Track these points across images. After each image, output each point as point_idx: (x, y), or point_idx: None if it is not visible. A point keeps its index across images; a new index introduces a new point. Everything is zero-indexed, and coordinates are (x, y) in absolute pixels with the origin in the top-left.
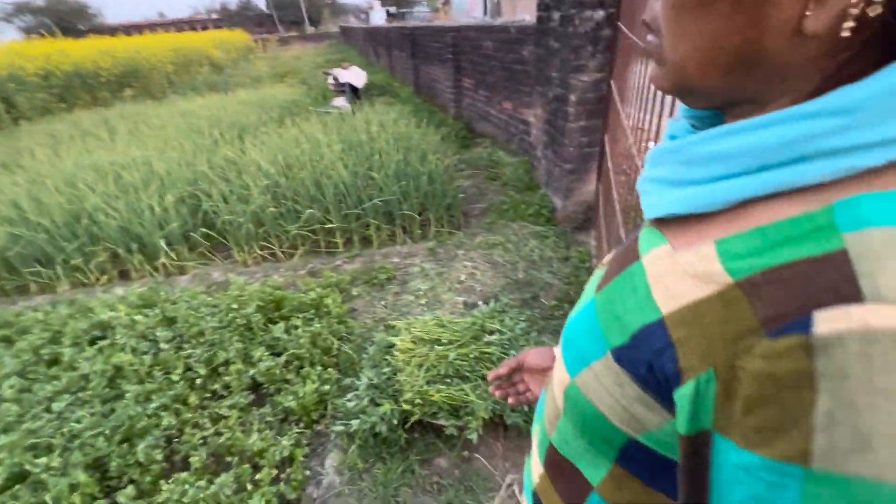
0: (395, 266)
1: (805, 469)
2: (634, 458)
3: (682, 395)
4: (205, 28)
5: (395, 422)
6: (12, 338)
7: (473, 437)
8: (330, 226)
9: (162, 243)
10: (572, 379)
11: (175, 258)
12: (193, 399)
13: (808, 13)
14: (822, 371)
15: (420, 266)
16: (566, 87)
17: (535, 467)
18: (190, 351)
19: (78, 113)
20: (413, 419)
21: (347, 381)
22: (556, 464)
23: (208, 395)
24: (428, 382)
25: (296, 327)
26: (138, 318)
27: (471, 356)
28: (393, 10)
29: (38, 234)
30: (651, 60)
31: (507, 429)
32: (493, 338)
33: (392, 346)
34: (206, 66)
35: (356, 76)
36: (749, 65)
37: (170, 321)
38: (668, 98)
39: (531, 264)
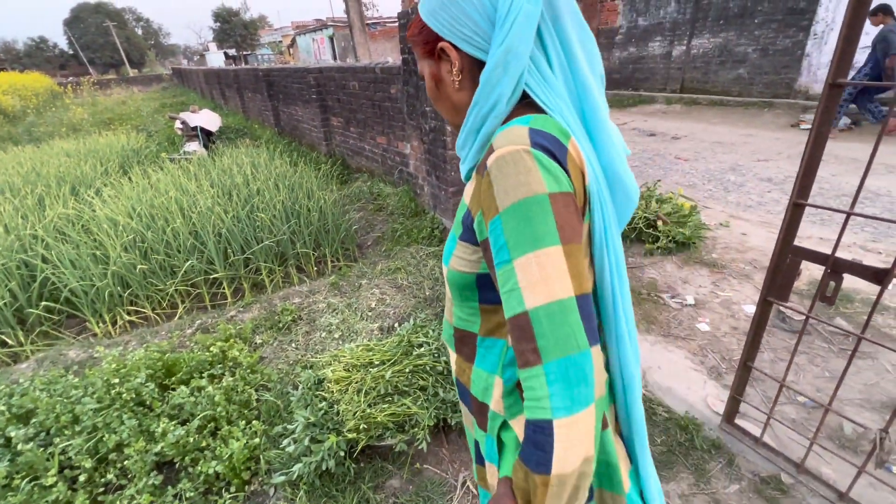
0: (297, 307)
1: (500, 214)
2: (484, 287)
3: (475, 226)
4: None
5: (343, 453)
6: None
7: (423, 446)
8: (215, 276)
9: None
10: (447, 266)
11: (8, 342)
12: (81, 499)
13: (454, 80)
14: (492, 177)
15: (326, 301)
16: (441, 120)
17: (452, 363)
18: (64, 444)
19: None
20: (360, 445)
21: (277, 428)
22: (460, 339)
23: (100, 489)
24: (370, 405)
25: (200, 388)
26: None
27: (406, 370)
28: (232, 52)
29: None
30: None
31: (449, 432)
32: (423, 350)
33: (321, 381)
34: None
35: (208, 119)
36: (456, 109)
37: (24, 416)
38: None
39: (435, 282)
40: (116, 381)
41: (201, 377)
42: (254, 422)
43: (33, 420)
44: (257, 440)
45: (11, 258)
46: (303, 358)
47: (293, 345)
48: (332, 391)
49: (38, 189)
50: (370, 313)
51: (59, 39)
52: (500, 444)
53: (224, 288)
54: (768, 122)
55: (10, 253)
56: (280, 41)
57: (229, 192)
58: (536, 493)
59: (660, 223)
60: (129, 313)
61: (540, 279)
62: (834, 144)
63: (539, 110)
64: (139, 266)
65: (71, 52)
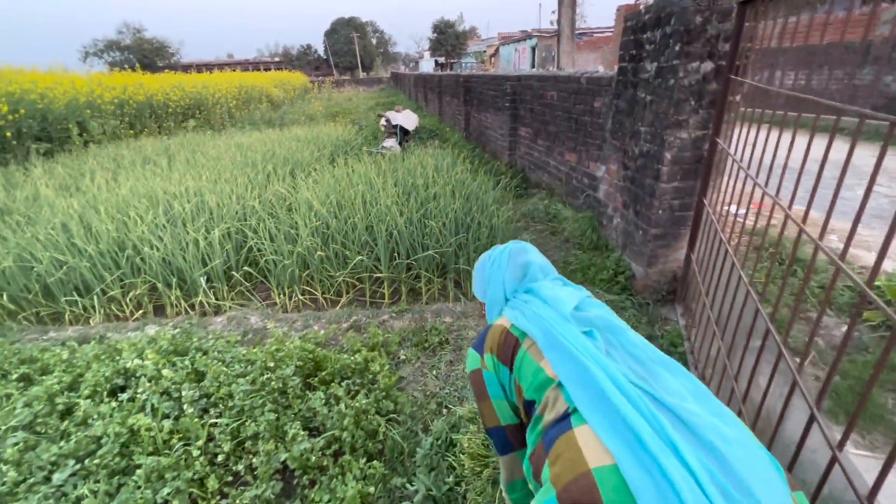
0: (447, 327)
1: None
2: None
3: None
4: (267, 69)
5: None
6: (32, 377)
7: None
8: (379, 275)
9: (202, 281)
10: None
11: (213, 297)
12: (212, 483)
13: None
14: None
15: (476, 329)
16: (660, 144)
17: None
18: (215, 418)
19: (143, 140)
20: None
21: (397, 480)
22: None
23: (230, 477)
24: None
25: (337, 399)
26: (165, 371)
27: None
28: (441, 59)
29: (82, 261)
30: None
31: None
32: None
33: (453, 443)
34: (265, 103)
35: (408, 119)
36: None
37: (198, 376)
38: None
39: None
40: (271, 364)
41: (341, 383)
42: (374, 462)
43: (202, 384)
44: (372, 489)
45: (233, 225)
46: (440, 392)
47: (434, 372)
48: (464, 464)
49: (269, 167)
50: None
51: (320, 46)
52: None
53: (384, 287)
54: None
55: (232, 220)
56: (485, 51)
57: (408, 193)
58: None
59: None
60: (303, 293)
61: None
62: None
63: None
64: (318, 253)
65: (325, 57)
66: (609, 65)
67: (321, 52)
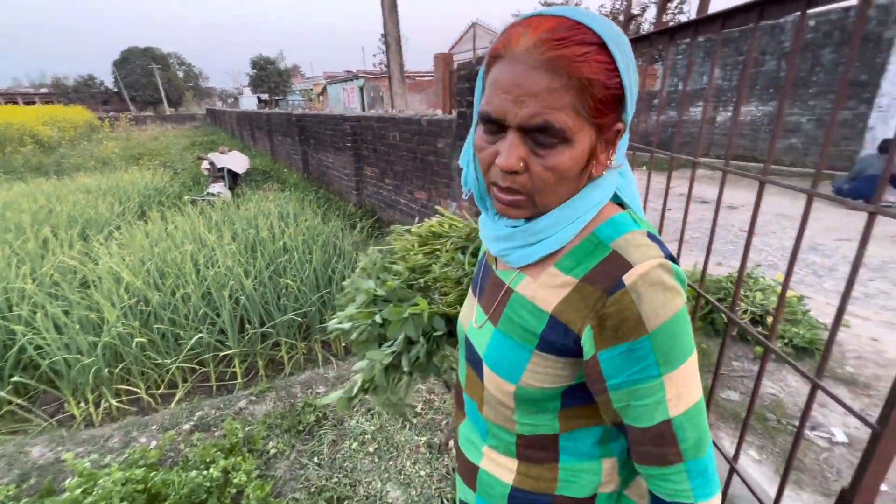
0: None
1: (650, 335)
2: (569, 396)
3: (583, 342)
4: (30, 102)
5: None
6: None
7: None
8: (227, 352)
9: None
10: (516, 384)
11: None
12: None
13: (610, 161)
14: (634, 296)
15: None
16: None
17: (503, 471)
18: None
19: None
20: None
21: None
22: (526, 445)
23: None
24: None
25: None
26: None
27: None
28: (265, 96)
29: None
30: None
31: None
32: None
33: None
34: (31, 144)
35: (237, 161)
36: (571, 193)
37: None
38: None
39: None
40: None
41: None
42: None
43: None
44: None
45: None
46: (328, 484)
47: (316, 459)
48: None
49: (46, 230)
50: (415, 419)
51: (107, 78)
52: None
53: (235, 366)
54: (829, 191)
55: None
56: (311, 89)
57: (252, 249)
58: None
59: (770, 319)
60: (118, 393)
61: (685, 388)
62: None
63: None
64: (137, 339)
65: (115, 89)
66: (432, 105)
67: (109, 83)
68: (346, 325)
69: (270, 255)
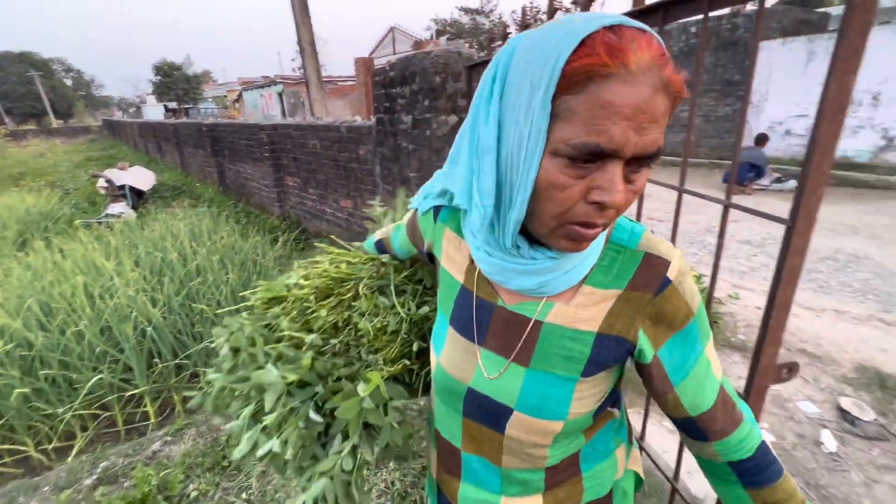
0: None
1: (695, 317)
2: (604, 403)
3: (640, 350)
4: None
5: None
6: None
7: None
8: (135, 391)
9: None
10: (565, 419)
11: None
12: None
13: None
14: (679, 288)
15: None
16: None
17: None
18: None
19: None
20: None
21: None
22: (554, 474)
23: None
24: None
25: None
26: None
27: None
28: (173, 105)
29: None
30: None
31: None
32: None
33: None
34: None
35: (139, 177)
36: None
37: None
38: None
39: None
40: None
41: None
42: None
43: None
44: None
45: None
46: None
47: (244, 495)
48: None
49: None
50: None
51: None
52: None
53: (147, 405)
54: (720, 182)
55: None
56: (225, 95)
57: (160, 273)
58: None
59: None
60: None
61: (712, 352)
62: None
63: None
64: (18, 390)
65: None
66: (356, 111)
67: None
68: (275, 446)
69: (181, 279)
